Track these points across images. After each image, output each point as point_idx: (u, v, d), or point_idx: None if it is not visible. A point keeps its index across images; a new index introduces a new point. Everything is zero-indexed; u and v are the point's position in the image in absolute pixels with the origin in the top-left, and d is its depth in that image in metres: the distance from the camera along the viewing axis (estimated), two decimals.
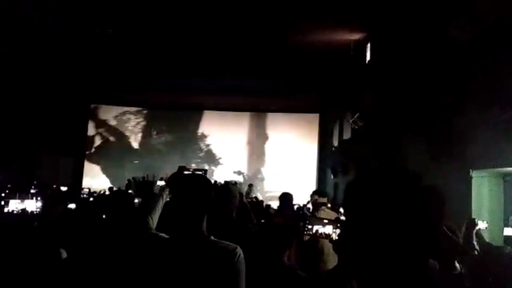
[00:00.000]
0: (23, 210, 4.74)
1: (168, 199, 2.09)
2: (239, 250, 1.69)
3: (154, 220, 1.97)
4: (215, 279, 1.62)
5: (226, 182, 5.00)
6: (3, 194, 5.26)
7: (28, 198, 4.90)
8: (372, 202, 0.81)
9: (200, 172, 2.24)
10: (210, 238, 1.74)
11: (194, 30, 9.65)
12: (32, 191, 6.77)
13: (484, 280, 2.22)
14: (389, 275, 0.80)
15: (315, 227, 2.36)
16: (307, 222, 2.42)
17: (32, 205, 4.81)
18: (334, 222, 2.36)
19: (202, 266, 1.64)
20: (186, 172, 2.17)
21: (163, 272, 1.67)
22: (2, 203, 4.79)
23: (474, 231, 3.25)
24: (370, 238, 0.81)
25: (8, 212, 4.70)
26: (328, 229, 2.32)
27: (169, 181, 2.16)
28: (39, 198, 5.00)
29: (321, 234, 2.34)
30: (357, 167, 10.41)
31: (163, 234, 1.81)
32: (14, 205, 4.74)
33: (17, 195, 4.89)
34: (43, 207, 4.93)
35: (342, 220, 2.45)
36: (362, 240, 0.81)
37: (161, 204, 2.06)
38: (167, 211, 1.99)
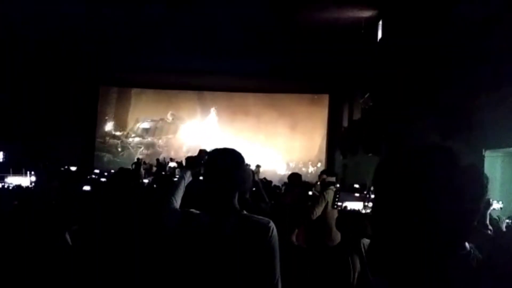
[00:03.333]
0: (19, 186, 4.74)
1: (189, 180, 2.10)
2: (272, 225, 1.69)
3: (178, 200, 1.99)
4: (250, 253, 1.62)
5: None
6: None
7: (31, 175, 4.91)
8: (407, 182, 0.76)
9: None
10: (243, 212, 1.73)
11: (202, 8, 9.49)
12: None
13: (497, 260, 2.17)
14: (418, 257, 0.75)
15: (345, 203, 2.34)
16: (337, 196, 2.40)
17: (26, 180, 4.80)
18: (364, 198, 2.35)
19: (237, 240, 1.64)
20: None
21: (199, 245, 1.67)
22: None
23: (488, 212, 3.19)
24: (402, 219, 0.76)
25: (3, 187, 4.70)
26: (358, 205, 2.31)
27: (192, 163, 2.13)
28: (32, 173, 4.99)
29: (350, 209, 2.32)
30: (366, 148, 10.31)
31: (193, 210, 1.80)
32: (9, 181, 4.75)
33: (26, 172, 4.90)
34: (38, 183, 4.89)
35: (372, 199, 2.43)
36: (392, 221, 0.77)
37: (183, 185, 2.06)
38: (194, 189, 1.99)
